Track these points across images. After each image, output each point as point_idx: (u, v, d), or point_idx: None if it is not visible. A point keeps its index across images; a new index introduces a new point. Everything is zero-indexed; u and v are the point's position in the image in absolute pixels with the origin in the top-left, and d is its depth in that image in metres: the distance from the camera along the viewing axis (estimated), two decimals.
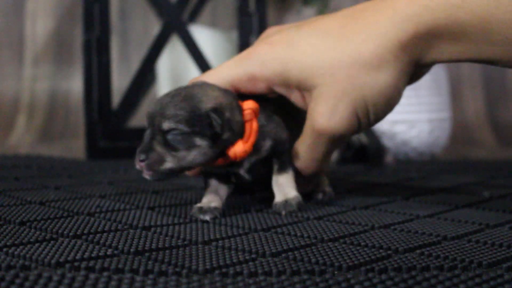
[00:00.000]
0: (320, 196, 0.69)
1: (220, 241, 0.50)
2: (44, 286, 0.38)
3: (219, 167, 0.61)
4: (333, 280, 0.40)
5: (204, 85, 0.61)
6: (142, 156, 0.58)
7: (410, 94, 1.14)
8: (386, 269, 0.43)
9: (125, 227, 0.55)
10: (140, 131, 1.13)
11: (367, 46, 0.59)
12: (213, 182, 0.63)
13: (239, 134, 0.59)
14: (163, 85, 1.22)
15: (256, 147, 0.60)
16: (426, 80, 1.14)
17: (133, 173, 0.89)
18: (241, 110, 0.60)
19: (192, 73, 1.16)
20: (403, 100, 1.11)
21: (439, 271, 0.43)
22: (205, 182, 0.63)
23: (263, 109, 0.62)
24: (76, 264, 0.42)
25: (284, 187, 0.62)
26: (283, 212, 0.60)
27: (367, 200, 0.68)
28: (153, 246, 0.48)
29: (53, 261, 0.43)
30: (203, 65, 1.09)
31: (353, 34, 0.60)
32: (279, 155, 0.62)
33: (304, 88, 0.61)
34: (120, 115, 1.10)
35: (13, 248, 0.46)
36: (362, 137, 0.87)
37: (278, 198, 0.62)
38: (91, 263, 0.43)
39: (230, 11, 1.51)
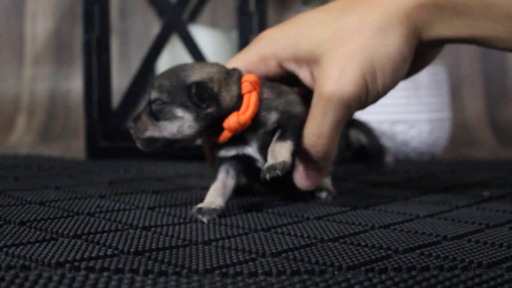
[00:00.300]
0: (323, 195, 0.68)
1: (220, 241, 0.50)
2: (44, 286, 0.38)
3: (226, 147, 0.61)
4: (333, 280, 0.40)
5: (204, 62, 0.63)
6: (131, 124, 0.60)
7: (410, 94, 1.14)
8: (386, 269, 0.43)
9: (125, 227, 0.55)
10: None
11: (373, 12, 0.59)
12: (221, 176, 0.62)
13: (235, 107, 0.60)
14: None
15: (260, 119, 0.61)
16: (426, 80, 1.14)
17: (133, 173, 0.89)
18: (239, 84, 0.60)
19: None
20: (403, 100, 1.10)
21: (439, 271, 0.43)
22: (216, 173, 0.63)
23: (275, 86, 0.62)
24: (76, 264, 0.42)
25: (276, 153, 0.59)
26: (267, 177, 0.57)
27: (367, 200, 0.68)
28: (153, 246, 0.48)
29: (53, 261, 0.43)
30: None
31: (359, 5, 0.61)
32: (283, 127, 0.61)
33: (312, 60, 0.61)
34: (120, 115, 1.10)
35: (13, 248, 0.46)
36: (362, 138, 0.87)
37: (267, 163, 0.59)
38: (91, 263, 0.43)
39: (230, 11, 1.51)
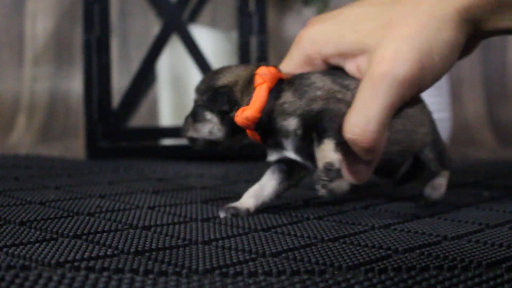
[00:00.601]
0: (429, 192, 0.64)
1: (220, 241, 0.50)
2: (44, 286, 0.38)
3: (270, 151, 0.61)
4: (333, 280, 0.40)
5: (244, 64, 0.63)
6: (183, 123, 0.63)
7: None
8: (386, 269, 0.43)
9: (125, 227, 0.55)
10: (140, 131, 1.14)
11: (426, 2, 0.57)
12: (263, 178, 0.62)
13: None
14: (163, 85, 1.22)
15: (278, 127, 0.58)
16: None
17: (133, 173, 0.89)
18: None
19: (192, 73, 1.16)
20: None
21: (439, 271, 0.43)
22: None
23: (304, 83, 0.59)
24: (76, 264, 0.42)
25: (320, 158, 0.55)
26: (318, 189, 0.54)
27: (367, 200, 0.68)
28: (153, 246, 0.48)
29: (53, 261, 0.43)
30: (203, 65, 1.09)
31: None
32: (316, 127, 0.57)
33: (360, 51, 0.58)
34: (120, 115, 1.10)
35: (13, 248, 0.46)
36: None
37: (315, 174, 0.55)
38: (91, 263, 0.43)
39: (230, 11, 1.51)
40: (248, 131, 0.60)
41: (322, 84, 0.59)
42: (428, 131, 0.62)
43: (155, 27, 1.27)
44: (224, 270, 0.42)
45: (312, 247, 0.49)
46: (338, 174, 0.54)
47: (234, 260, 0.44)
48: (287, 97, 0.59)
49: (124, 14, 1.61)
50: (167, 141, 1.18)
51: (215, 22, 1.56)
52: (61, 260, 0.43)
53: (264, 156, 0.62)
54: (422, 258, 0.46)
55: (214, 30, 1.28)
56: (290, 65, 0.62)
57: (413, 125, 0.60)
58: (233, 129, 0.60)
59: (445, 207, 0.65)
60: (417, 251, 0.48)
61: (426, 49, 0.56)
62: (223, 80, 0.60)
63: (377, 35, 0.57)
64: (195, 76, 1.16)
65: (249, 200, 0.61)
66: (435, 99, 1.16)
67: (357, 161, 0.57)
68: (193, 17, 1.29)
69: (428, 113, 0.63)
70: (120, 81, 1.41)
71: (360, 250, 0.47)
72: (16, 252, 0.45)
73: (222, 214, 0.60)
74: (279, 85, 0.59)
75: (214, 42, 1.19)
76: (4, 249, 0.46)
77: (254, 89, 0.59)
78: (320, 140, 0.56)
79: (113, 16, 1.53)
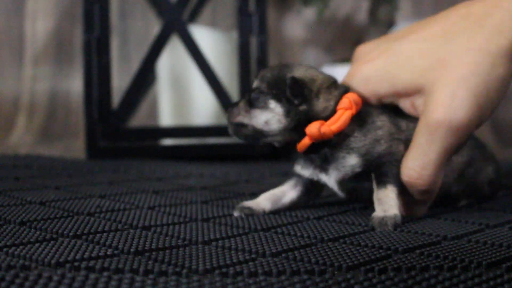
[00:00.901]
0: None
1: (220, 241, 0.50)
2: (44, 286, 0.38)
3: (305, 163, 0.61)
4: (333, 280, 0.40)
5: (312, 67, 0.62)
6: (229, 108, 0.61)
7: None
8: (386, 269, 0.43)
9: (125, 227, 0.55)
10: (140, 131, 1.14)
11: (479, 34, 0.56)
12: (285, 185, 0.63)
13: (326, 119, 0.58)
14: (163, 85, 1.22)
15: (338, 159, 0.59)
16: None
17: (133, 173, 0.89)
18: (339, 100, 0.59)
19: (192, 73, 1.16)
20: None
21: (438, 271, 0.43)
22: (287, 180, 0.63)
23: (369, 120, 0.60)
24: (76, 264, 0.42)
25: (383, 203, 0.57)
26: (378, 229, 0.55)
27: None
28: (153, 246, 0.48)
29: (53, 261, 0.43)
30: (203, 65, 1.09)
31: (461, 30, 0.57)
32: (377, 169, 0.58)
33: (414, 90, 0.58)
34: (120, 115, 1.10)
35: (13, 248, 0.46)
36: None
37: (377, 213, 0.57)
38: (91, 263, 0.43)
39: (230, 11, 1.51)
40: (307, 139, 0.59)
41: (382, 123, 0.60)
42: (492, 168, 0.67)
43: (155, 27, 1.27)
44: (224, 270, 0.42)
45: (312, 247, 0.49)
46: (389, 227, 0.55)
47: (234, 260, 0.44)
48: (355, 133, 0.59)
49: (124, 14, 1.61)
50: (167, 141, 1.18)
51: (215, 22, 1.56)
52: (61, 260, 0.43)
53: (264, 156, 0.63)
54: (422, 258, 0.46)
55: (214, 30, 1.28)
56: None
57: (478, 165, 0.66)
58: (294, 125, 0.59)
59: (445, 207, 0.65)
60: (417, 251, 0.48)
61: (482, 90, 0.56)
62: (299, 73, 0.59)
63: (432, 75, 0.57)
64: (195, 76, 1.16)
65: (266, 202, 0.62)
66: None
67: (414, 201, 0.59)
68: (193, 17, 1.29)
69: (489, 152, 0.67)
70: (120, 81, 1.41)
71: (360, 250, 0.47)
72: (16, 252, 0.45)
73: (236, 213, 0.60)
74: None
75: (214, 42, 1.19)
76: (4, 249, 0.46)
77: (334, 100, 0.59)
78: (381, 184, 0.58)
79: (113, 16, 1.53)
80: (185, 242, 0.50)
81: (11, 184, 0.76)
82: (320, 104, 0.59)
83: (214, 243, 0.50)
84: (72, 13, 1.59)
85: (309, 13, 1.52)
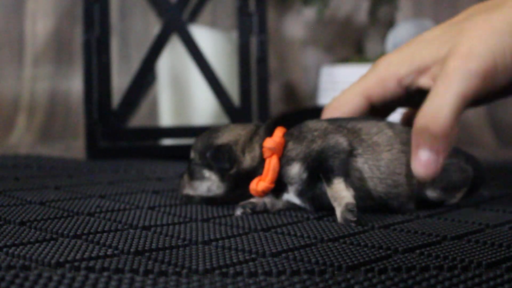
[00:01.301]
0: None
1: (220, 241, 0.50)
2: (44, 286, 0.38)
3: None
4: (333, 280, 0.40)
5: (245, 124, 0.64)
6: (178, 181, 0.65)
7: None
8: (386, 269, 0.43)
9: (125, 227, 0.55)
10: (140, 131, 1.14)
11: (497, 14, 0.59)
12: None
13: (258, 168, 0.61)
14: (163, 85, 1.22)
15: (285, 173, 0.61)
16: None
17: (133, 173, 0.89)
18: (262, 141, 0.61)
19: (192, 73, 1.16)
20: None
21: (438, 271, 0.43)
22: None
23: (303, 131, 0.61)
24: (76, 264, 0.42)
25: (335, 199, 0.57)
26: (345, 223, 0.56)
27: None
28: (153, 246, 0.48)
29: (53, 261, 0.43)
30: (203, 65, 1.09)
31: (479, 13, 0.60)
32: (320, 167, 0.59)
33: (433, 61, 0.60)
34: (120, 115, 1.10)
35: (13, 248, 0.46)
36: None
37: (336, 211, 0.57)
38: (91, 263, 0.43)
39: (230, 11, 1.51)
40: (272, 161, 0.61)
41: (319, 125, 0.61)
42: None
43: (155, 27, 1.27)
44: (224, 270, 0.42)
45: (312, 247, 0.49)
46: (354, 213, 0.56)
47: (234, 260, 0.44)
48: (290, 145, 0.61)
49: (124, 14, 1.61)
50: (167, 141, 1.18)
51: (215, 22, 1.56)
52: (61, 260, 0.43)
53: None
54: (422, 258, 0.46)
55: (214, 30, 1.29)
56: (363, 86, 0.65)
57: None
58: (234, 185, 0.62)
59: (445, 207, 0.65)
60: (417, 251, 0.48)
61: (499, 49, 0.57)
62: (223, 138, 0.62)
63: (450, 42, 0.59)
64: (195, 76, 1.16)
65: (265, 197, 0.62)
66: None
67: (427, 149, 0.57)
68: (193, 17, 1.29)
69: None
70: (120, 81, 1.41)
71: (360, 250, 0.47)
72: (16, 252, 0.45)
73: (238, 212, 0.60)
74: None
75: (214, 42, 1.19)
76: (4, 249, 0.46)
77: (258, 148, 0.61)
78: (328, 180, 0.58)
79: (113, 16, 1.53)
80: (185, 242, 0.50)
81: (11, 184, 0.76)
82: (247, 160, 0.61)
83: (214, 243, 0.50)
84: (72, 13, 1.59)
85: (309, 13, 1.52)
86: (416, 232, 0.54)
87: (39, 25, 1.60)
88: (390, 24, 1.31)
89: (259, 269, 0.42)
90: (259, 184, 0.61)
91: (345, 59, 1.34)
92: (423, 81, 0.61)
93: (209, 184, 0.62)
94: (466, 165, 0.64)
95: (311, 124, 0.62)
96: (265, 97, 1.09)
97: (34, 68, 1.60)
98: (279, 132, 0.61)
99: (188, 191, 0.64)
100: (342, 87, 1.16)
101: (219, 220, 0.58)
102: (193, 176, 0.63)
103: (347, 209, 0.56)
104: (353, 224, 0.56)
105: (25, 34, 1.60)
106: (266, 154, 0.61)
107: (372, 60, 1.26)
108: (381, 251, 0.48)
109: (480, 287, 0.39)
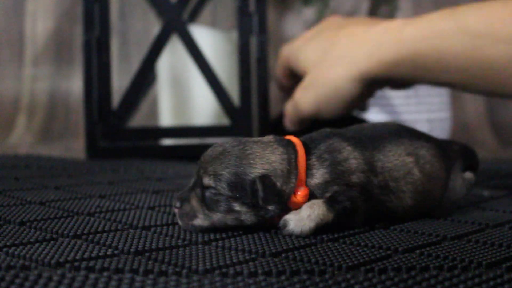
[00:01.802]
0: None
1: (220, 241, 0.50)
2: (44, 286, 0.38)
3: None
4: (333, 280, 0.40)
5: (266, 142, 0.55)
6: (178, 204, 0.54)
7: (409, 94, 1.14)
8: (386, 269, 0.43)
9: (125, 227, 0.55)
10: (140, 131, 1.14)
11: (344, 64, 0.82)
12: None
13: (285, 203, 0.53)
14: (163, 85, 1.22)
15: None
16: None
17: (133, 173, 0.89)
18: (296, 173, 0.54)
19: (192, 73, 1.16)
20: (403, 100, 1.10)
21: (438, 271, 0.43)
22: None
23: (321, 151, 0.55)
24: (76, 264, 0.42)
25: (304, 207, 0.53)
26: (282, 228, 0.53)
27: None
28: (153, 246, 0.48)
29: (53, 261, 0.43)
30: (203, 65, 1.09)
31: (341, 41, 0.84)
32: (332, 195, 0.54)
33: (304, 72, 0.88)
34: (120, 115, 1.10)
35: (13, 248, 0.46)
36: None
37: (299, 212, 0.53)
38: (91, 263, 0.43)
39: (230, 11, 1.51)
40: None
41: (347, 154, 0.56)
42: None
43: (155, 27, 1.27)
44: (224, 270, 0.42)
45: (312, 247, 0.49)
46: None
47: (234, 260, 0.44)
48: (314, 170, 0.55)
49: (124, 14, 1.61)
50: (167, 141, 1.18)
51: (215, 22, 1.56)
52: (61, 260, 0.43)
53: None
54: (422, 258, 0.46)
55: (214, 30, 1.28)
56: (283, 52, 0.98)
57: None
58: (265, 218, 0.54)
59: (445, 207, 0.65)
60: (417, 251, 0.48)
61: (323, 98, 0.84)
62: (257, 169, 0.52)
63: (309, 69, 0.86)
64: (195, 76, 1.16)
65: None
66: (435, 99, 1.16)
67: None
68: (193, 17, 1.29)
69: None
70: (120, 81, 1.41)
71: (360, 250, 0.47)
72: (16, 252, 0.45)
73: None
74: (308, 163, 0.55)
75: (214, 42, 1.19)
76: (4, 249, 0.46)
77: (294, 178, 0.53)
78: (329, 200, 0.54)
79: (113, 16, 1.53)
80: (185, 242, 0.50)
81: (11, 184, 0.76)
82: (286, 192, 0.53)
83: (214, 243, 0.50)
84: (72, 13, 1.59)
85: (309, 13, 1.52)
86: (416, 232, 0.54)
87: (39, 25, 1.60)
88: None
89: (259, 269, 0.42)
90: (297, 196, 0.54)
91: None
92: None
93: (236, 216, 0.53)
94: (467, 172, 0.63)
95: (348, 157, 0.56)
96: (265, 97, 1.09)
97: (34, 68, 1.60)
98: (303, 175, 0.54)
99: (203, 222, 0.53)
100: None
101: None
102: (213, 207, 0.53)
103: (302, 226, 0.52)
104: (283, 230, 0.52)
105: (25, 34, 1.60)
106: (302, 196, 0.54)
107: None
108: (381, 251, 0.48)
109: (480, 287, 0.39)
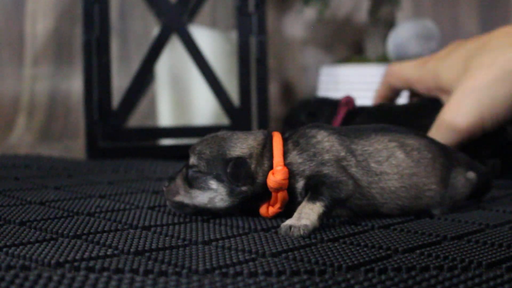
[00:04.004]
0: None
1: (220, 241, 0.50)
2: (44, 286, 0.38)
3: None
4: (333, 280, 0.40)
5: (252, 132, 0.59)
6: (166, 184, 0.60)
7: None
8: (386, 269, 0.43)
9: (125, 227, 0.55)
10: (140, 131, 1.14)
11: (505, 55, 0.69)
12: None
13: (262, 183, 0.57)
14: (162, 85, 1.22)
15: (290, 192, 0.57)
16: None
17: (133, 173, 0.89)
18: (270, 157, 0.57)
19: (191, 73, 1.16)
20: (404, 100, 1.10)
21: (439, 271, 0.43)
22: None
23: (308, 146, 0.58)
24: (76, 264, 0.42)
25: (302, 213, 0.54)
26: (281, 234, 0.53)
27: None
28: (153, 246, 0.48)
29: (53, 261, 0.43)
30: (203, 65, 1.09)
31: (494, 47, 0.71)
32: (315, 188, 0.56)
33: (444, 90, 0.76)
34: (120, 115, 1.10)
35: (13, 248, 0.46)
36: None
37: (288, 220, 0.54)
38: (91, 263, 0.43)
39: (229, 11, 1.51)
40: (280, 193, 0.57)
41: (329, 144, 0.58)
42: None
43: (155, 27, 1.27)
44: (224, 270, 0.42)
45: (312, 247, 0.49)
46: (302, 235, 0.52)
47: (234, 260, 0.44)
48: (296, 158, 0.57)
49: (123, 15, 1.61)
50: (166, 141, 1.18)
51: (214, 22, 1.56)
52: (61, 260, 0.43)
53: None
54: (422, 258, 0.46)
55: (214, 30, 1.28)
56: (410, 75, 0.86)
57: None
58: (240, 202, 0.58)
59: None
60: (417, 251, 0.48)
61: (488, 103, 0.69)
62: (236, 150, 0.57)
63: (458, 81, 0.72)
64: (194, 76, 1.16)
65: None
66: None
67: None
68: (193, 17, 1.29)
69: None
70: (120, 81, 1.41)
71: (360, 250, 0.47)
72: (16, 252, 0.45)
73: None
74: (284, 147, 0.58)
75: (213, 42, 1.19)
76: (4, 249, 0.46)
77: (267, 162, 0.57)
78: (314, 198, 0.55)
79: (113, 16, 1.53)
80: (185, 242, 0.50)
81: (11, 184, 0.76)
82: (260, 177, 0.57)
83: (214, 243, 0.50)
84: (72, 13, 1.59)
85: (309, 13, 1.52)
86: (416, 232, 0.54)
87: (39, 25, 1.60)
88: (390, 24, 1.31)
89: (259, 269, 0.42)
90: (269, 210, 0.58)
91: (345, 59, 1.34)
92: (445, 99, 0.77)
93: (212, 195, 0.57)
94: (470, 172, 0.63)
95: (322, 140, 0.58)
96: (265, 97, 1.09)
97: (34, 68, 1.60)
98: (279, 157, 0.57)
99: (183, 199, 0.58)
100: (342, 87, 1.16)
101: (219, 220, 0.58)
102: (193, 184, 0.58)
103: (300, 229, 0.52)
104: (287, 235, 0.52)
105: (25, 34, 1.60)
106: (273, 190, 0.57)
107: (372, 60, 1.26)
108: (381, 251, 0.48)
109: (480, 287, 0.39)
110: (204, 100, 1.18)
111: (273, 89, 1.53)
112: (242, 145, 0.58)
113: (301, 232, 0.52)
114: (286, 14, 1.58)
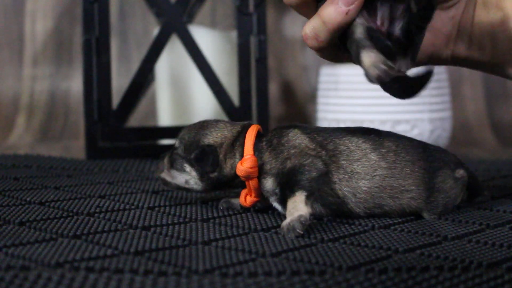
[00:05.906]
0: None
1: (220, 241, 0.50)
2: (44, 286, 0.38)
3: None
4: (333, 280, 0.40)
5: (234, 123, 0.63)
6: (158, 161, 0.66)
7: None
8: (386, 269, 0.43)
9: (125, 227, 0.55)
10: (140, 131, 1.14)
11: None
12: None
13: (233, 174, 0.60)
14: (162, 85, 1.22)
15: (261, 184, 0.60)
16: None
17: (133, 173, 0.89)
18: (241, 151, 0.60)
19: (191, 72, 1.16)
20: (405, 100, 1.09)
21: (439, 271, 0.43)
22: None
23: (279, 143, 0.59)
24: (76, 264, 0.42)
25: (290, 209, 0.55)
26: (288, 236, 0.53)
27: None
28: (153, 246, 0.48)
29: (53, 261, 0.43)
30: (203, 65, 1.09)
31: None
32: (288, 183, 0.57)
33: None
34: (119, 115, 1.10)
35: (13, 248, 0.46)
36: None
37: (285, 220, 0.54)
38: (91, 263, 0.43)
39: (229, 11, 1.51)
40: (251, 182, 0.60)
41: (298, 142, 0.59)
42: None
43: (154, 27, 1.27)
44: (224, 270, 0.42)
45: (312, 247, 0.49)
46: (303, 227, 0.53)
47: (234, 260, 0.44)
48: (266, 157, 0.60)
49: (123, 14, 1.61)
50: (166, 141, 1.18)
51: (214, 22, 1.56)
52: (60, 260, 0.43)
53: None
54: (422, 259, 0.46)
55: (214, 30, 1.28)
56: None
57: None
58: (212, 186, 0.62)
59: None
60: (417, 251, 0.48)
61: None
62: (209, 138, 0.61)
63: None
64: (194, 76, 1.16)
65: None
66: (437, 99, 1.16)
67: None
68: (192, 17, 1.29)
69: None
70: (120, 81, 1.41)
71: (360, 250, 0.47)
72: (16, 252, 0.45)
73: (220, 206, 0.64)
74: (259, 144, 0.60)
75: (213, 42, 1.19)
76: (4, 249, 0.46)
77: (238, 156, 0.60)
78: (292, 191, 0.56)
79: (113, 16, 1.53)
80: (185, 242, 0.50)
81: (11, 184, 0.76)
82: (227, 167, 0.61)
83: (214, 243, 0.50)
84: (72, 13, 1.59)
85: None
86: (416, 232, 0.54)
87: (39, 25, 1.60)
88: None
89: (259, 269, 0.42)
90: (247, 199, 0.61)
91: None
92: None
93: (188, 177, 0.62)
94: (458, 169, 0.61)
95: (293, 138, 0.59)
96: (265, 97, 1.09)
97: (33, 68, 1.60)
98: (249, 148, 0.59)
99: (166, 176, 0.64)
100: (342, 87, 1.16)
101: (219, 220, 0.58)
102: (173, 165, 0.63)
103: (299, 220, 0.53)
104: (293, 237, 0.52)
105: (25, 34, 1.60)
106: (243, 179, 0.60)
107: None
108: (381, 251, 0.48)
109: (480, 287, 0.39)
110: (204, 100, 1.18)
111: (273, 89, 1.53)
112: (217, 134, 0.61)
113: (301, 221, 0.52)
114: (286, 14, 1.58)
